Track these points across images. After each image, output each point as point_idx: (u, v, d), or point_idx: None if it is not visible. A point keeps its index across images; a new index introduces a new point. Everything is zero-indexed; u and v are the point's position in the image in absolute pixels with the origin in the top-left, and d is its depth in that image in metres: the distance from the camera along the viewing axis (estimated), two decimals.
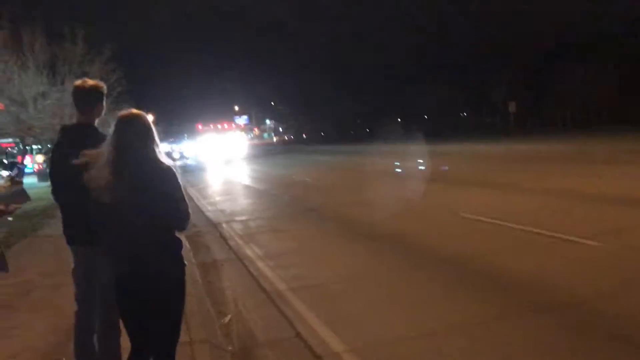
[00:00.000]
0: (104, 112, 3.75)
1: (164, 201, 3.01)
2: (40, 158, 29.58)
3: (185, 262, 3.23)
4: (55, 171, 3.70)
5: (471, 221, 9.46)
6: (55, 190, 3.68)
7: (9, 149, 35.68)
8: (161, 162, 3.08)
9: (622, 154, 20.51)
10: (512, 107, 52.51)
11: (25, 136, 25.01)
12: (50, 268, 7.42)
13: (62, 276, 6.98)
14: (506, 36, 55.33)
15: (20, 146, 28.70)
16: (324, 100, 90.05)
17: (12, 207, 3.01)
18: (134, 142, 3.01)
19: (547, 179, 14.64)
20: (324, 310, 5.49)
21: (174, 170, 3.12)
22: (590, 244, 7.15)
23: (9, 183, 3.44)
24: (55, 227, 11.76)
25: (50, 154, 3.84)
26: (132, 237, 2.99)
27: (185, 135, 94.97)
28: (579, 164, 18.77)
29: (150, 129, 3.08)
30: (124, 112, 3.11)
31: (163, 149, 3.21)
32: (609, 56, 48.12)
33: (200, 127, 60.77)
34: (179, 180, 3.09)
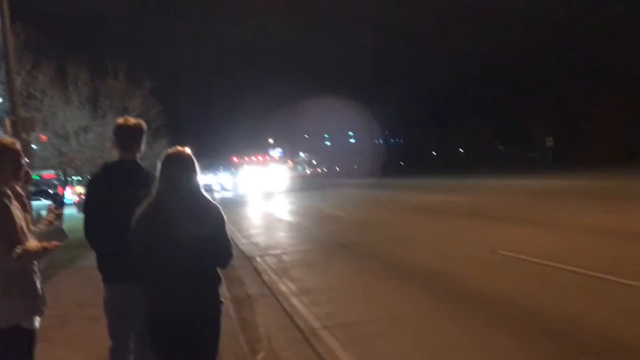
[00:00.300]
0: (144, 148, 3.80)
1: (209, 239, 3.01)
2: (80, 189, 30.37)
3: (223, 300, 3.20)
4: (91, 206, 3.73)
5: (511, 259, 9.20)
6: (88, 226, 3.68)
7: (52, 180, 36.76)
8: (207, 199, 3.10)
9: None
10: (549, 141, 51.74)
11: (67, 168, 25.75)
12: (87, 299, 7.48)
13: (99, 308, 7.06)
14: (549, 69, 54.73)
15: (62, 177, 29.54)
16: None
17: (53, 244, 3.04)
18: (183, 180, 3.04)
19: (586, 215, 14.20)
20: (359, 351, 5.36)
21: (219, 207, 3.14)
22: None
23: (51, 215, 3.51)
24: (92, 258, 11.92)
25: (87, 188, 3.88)
26: (172, 275, 2.97)
27: (221, 167, 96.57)
28: (617, 200, 18.20)
29: (195, 166, 3.10)
30: (171, 150, 3.15)
31: (204, 180, 3.24)
32: None
33: (235, 159, 61.48)
34: (224, 217, 3.10)
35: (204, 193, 3.11)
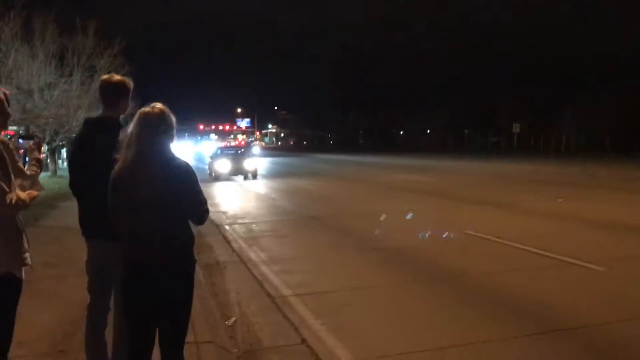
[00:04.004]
0: (128, 108, 3.75)
1: (183, 196, 3.05)
2: (44, 148, 29.59)
3: (196, 259, 3.24)
4: (75, 163, 3.71)
5: (478, 239, 9.46)
6: (73, 182, 3.68)
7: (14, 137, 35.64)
8: (179, 158, 3.13)
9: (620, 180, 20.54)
10: (516, 127, 52.73)
11: (30, 125, 24.98)
12: (53, 259, 7.40)
13: (66, 268, 7.00)
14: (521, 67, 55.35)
15: (36, 136, 28.58)
16: (332, 111, 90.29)
17: (34, 193, 3.03)
18: (157, 139, 3.03)
19: (545, 200, 14.63)
20: (329, 319, 5.46)
21: (190, 165, 3.15)
22: (592, 267, 7.15)
23: (33, 162, 3.50)
24: (56, 217, 11.76)
25: (71, 146, 3.83)
26: (147, 233, 3.00)
27: (186, 134, 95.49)
28: (577, 187, 18.79)
29: (171, 125, 3.10)
30: (146, 108, 3.11)
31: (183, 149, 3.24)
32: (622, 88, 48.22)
33: (201, 127, 60.83)
34: (196, 175, 3.13)
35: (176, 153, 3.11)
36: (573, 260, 7.55)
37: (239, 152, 29.72)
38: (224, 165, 25.88)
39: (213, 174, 26.41)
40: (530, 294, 6.18)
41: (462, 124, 73.93)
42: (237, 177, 26.07)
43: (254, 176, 25.89)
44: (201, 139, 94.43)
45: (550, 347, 4.66)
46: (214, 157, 27.85)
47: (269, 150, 77.91)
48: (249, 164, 26.07)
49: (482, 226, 10.49)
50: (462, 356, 4.50)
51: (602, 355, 4.52)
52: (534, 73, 53.13)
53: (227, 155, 27.86)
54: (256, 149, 44.64)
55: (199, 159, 42.84)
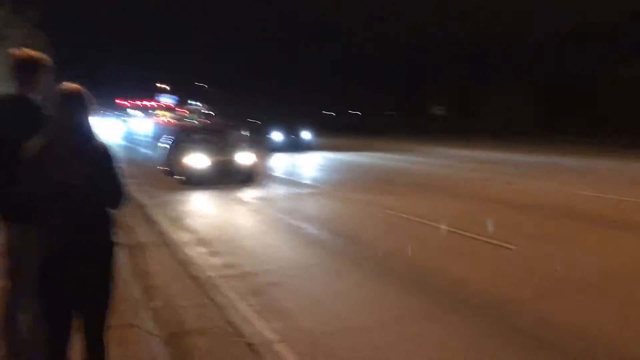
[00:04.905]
0: (44, 85, 3.58)
1: (103, 177, 3.01)
2: None
3: (116, 241, 3.18)
4: None
5: (400, 219, 9.77)
6: None
7: None
8: (99, 139, 3.08)
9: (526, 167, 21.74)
10: (439, 110, 54.44)
11: None
12: None
13: None
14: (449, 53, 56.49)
15: None
16: (264, 91, 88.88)
17: None
18: (76, 120, 2.98)
19: (472, 183, 15.30)
20: (256, 300, 5.51)
21: (110, 147, 3.11)
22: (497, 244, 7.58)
23: None
24: None
25: None
26: (64, 216, 2.93)
27: (103, 111, 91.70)
28: (496, 170, 19.74)
29: (89, 105, 3.05)
30: (64, 87, 3.03)
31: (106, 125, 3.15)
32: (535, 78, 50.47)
33: (118, 101, 58.59)
34: (116, 157, 3.08)
35: (95, 133, 3.05)
36: (488, 240, 7.98)
37: (222, 136, 17.43)
38: (200, 161, 14.62)
39: (178, 174, 15.02)
40: (447, 272, 6.49)
41: (388, 106, 75.31)
42: (225, 179, 14.68)
43: (252, 178, 15.16)
44: (123, 116, 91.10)
45: (463, 323, 4.92)
46: (178, 144, 16.02)
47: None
48: (242, 157, 15.22)
49: (402, 206, 10.84)
50: (386, 332, 4.68)
51: (509, 329, 4.83)
52: (463, 58, 54.77)
53: (202, 142, 16.02)
54: (277, 134, 29.87)
55: (131, 139, 41.05)
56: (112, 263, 3.17)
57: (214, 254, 7.39)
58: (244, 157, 15.29)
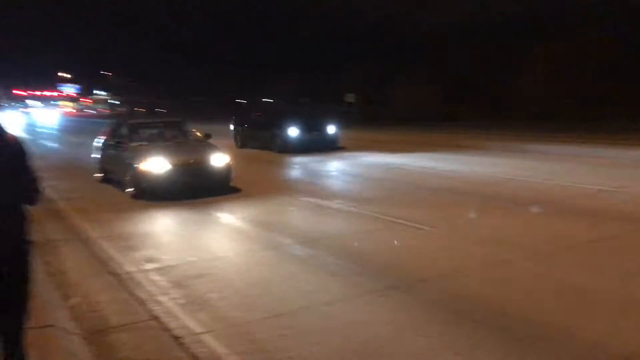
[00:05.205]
0: None
1: (12, 175, 2.88)
2: None
3: (32, 239, 3.09)
4: None
5: (312, 204, 9.95)
6: None
7: None
8: (8, 133, 2.97)
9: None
10: (349, 97, 55.81)
11: None
12: None
13: None
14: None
15: None
16: (172, 79, 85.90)
17: None
18: None
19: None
20: (179, 292, 5.45)
21: (22, 141, 3.01)
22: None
23: None
24: None
25: None
26: None
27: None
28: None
29: None
30: None
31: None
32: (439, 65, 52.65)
33: (15, 91, 54.79)
34: (28, 151, 2.97)
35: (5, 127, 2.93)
36: (403, 222, 8.30)
37: (181, 130, 13.07)
38: (159, 165, 10.50)
39: (134, 185, 10.73)
40: (366, 254, 6.69)
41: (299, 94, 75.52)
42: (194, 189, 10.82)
43: (226, 184, 11.22)
44: (21, 106, 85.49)
45: (388, 303, 5.11)
46: (121, 143, 11.76)
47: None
48: (213, 159, 11.15)
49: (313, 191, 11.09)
50: (309, 317, 4.79)
51: (427, 305, 5.09)
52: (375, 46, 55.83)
53: (156, 138, 12.14)
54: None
55: (33, 132, 38.48)
56: (28, 263, 3.06)
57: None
58: (217, 159, 11.20)
